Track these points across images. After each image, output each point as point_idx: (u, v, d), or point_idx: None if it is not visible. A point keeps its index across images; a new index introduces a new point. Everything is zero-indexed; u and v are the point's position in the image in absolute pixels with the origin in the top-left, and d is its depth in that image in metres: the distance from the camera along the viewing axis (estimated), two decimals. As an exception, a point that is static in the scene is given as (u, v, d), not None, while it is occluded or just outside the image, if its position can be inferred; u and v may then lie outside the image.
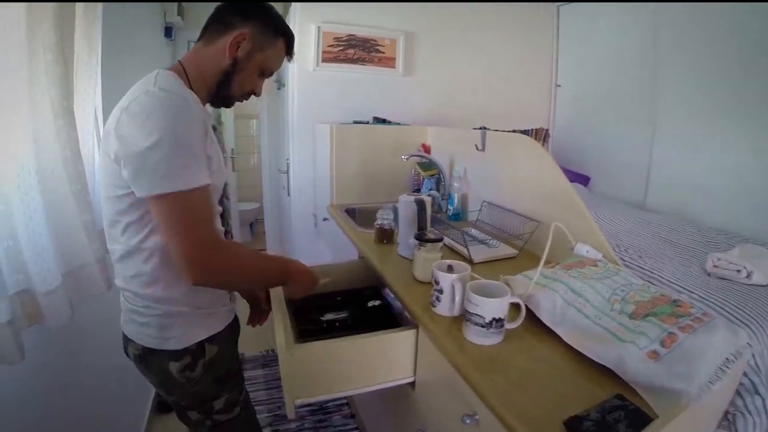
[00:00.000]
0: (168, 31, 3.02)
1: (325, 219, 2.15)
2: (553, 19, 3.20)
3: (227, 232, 1.08)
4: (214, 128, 1.08)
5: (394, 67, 2.57)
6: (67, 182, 1.15)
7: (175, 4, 2.94)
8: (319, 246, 2.19)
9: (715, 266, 1.51)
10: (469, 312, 0.85)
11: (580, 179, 2.94)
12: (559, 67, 3.28)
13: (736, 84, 2.11)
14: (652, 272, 1.43)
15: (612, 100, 2.85)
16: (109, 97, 1.77)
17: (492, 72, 2.99)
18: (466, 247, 1.30)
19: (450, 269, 0.98)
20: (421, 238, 1.13)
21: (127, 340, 0.96)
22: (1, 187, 0.92)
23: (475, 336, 0.85)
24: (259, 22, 0.94)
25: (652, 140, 2.57)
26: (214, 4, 0.99)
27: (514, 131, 3.07)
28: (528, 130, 3.17)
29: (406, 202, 1.30)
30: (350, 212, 1.99)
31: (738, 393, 1.02)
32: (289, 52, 1.02)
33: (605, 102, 2.91)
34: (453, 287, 0.93)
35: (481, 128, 2.14)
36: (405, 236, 1.32)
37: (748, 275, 1.45)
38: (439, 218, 1.69)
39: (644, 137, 2.60)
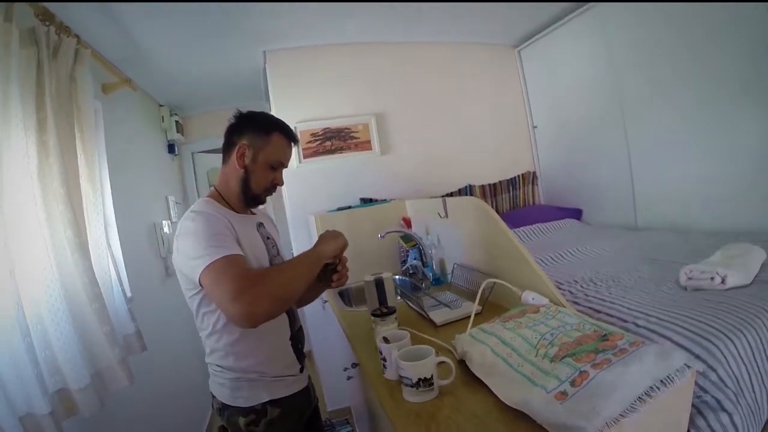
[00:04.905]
0: (171, 148, 3.50)
1: (325, 302, 2.29)
2: (516, 64, 3.40)
3: None
4: (263, 225, 1.30)
5: (371, 149, 2.81)
6: (88, 302, 1.43)
7: (174, 124, 3.40)
8: (329, 329, 2.31)
9: (689, 278, 1.47)
10: (400, 375, 0.97)
11: (573, 214, 3.00)
12: (532, 109, 3.41)
13: (696, 86, 2.14)
14: (612, 303, 1.41)
15: (587, 129, 2.92)
16: (122, 213, 2.10)
17: (468, 129, 3.16)
18: (426, 313, 1.42)
19: (386, 340, 1.09)
20: (374, 314, 1.28)
21: (212, 396, 1.20)
22: (36, 310, 1.27)
23: (408, 395, 0.96)
24: (251, 130, 1.19)
25: (630, 160, 2.60)
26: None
27: (500, 182, 3.22)
28: (515, 177, 3.30)
29: (367, 282, 1.45)
30: (344, 293, 2.12)
31: (700, 413, 1.01)
32: (290, 138, 1.23)
33: (582, 133, 2.98)
34: (391, 354, 1.05)
35: (445, 196, 2.26)
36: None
37: (723, 280, 1.39)
38: (422, 286, 1.82)
39: (622, 159, 2.64)
